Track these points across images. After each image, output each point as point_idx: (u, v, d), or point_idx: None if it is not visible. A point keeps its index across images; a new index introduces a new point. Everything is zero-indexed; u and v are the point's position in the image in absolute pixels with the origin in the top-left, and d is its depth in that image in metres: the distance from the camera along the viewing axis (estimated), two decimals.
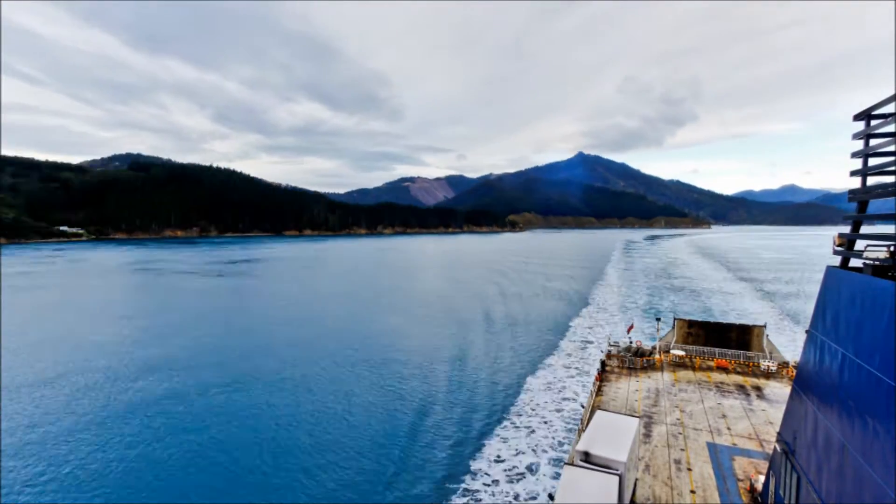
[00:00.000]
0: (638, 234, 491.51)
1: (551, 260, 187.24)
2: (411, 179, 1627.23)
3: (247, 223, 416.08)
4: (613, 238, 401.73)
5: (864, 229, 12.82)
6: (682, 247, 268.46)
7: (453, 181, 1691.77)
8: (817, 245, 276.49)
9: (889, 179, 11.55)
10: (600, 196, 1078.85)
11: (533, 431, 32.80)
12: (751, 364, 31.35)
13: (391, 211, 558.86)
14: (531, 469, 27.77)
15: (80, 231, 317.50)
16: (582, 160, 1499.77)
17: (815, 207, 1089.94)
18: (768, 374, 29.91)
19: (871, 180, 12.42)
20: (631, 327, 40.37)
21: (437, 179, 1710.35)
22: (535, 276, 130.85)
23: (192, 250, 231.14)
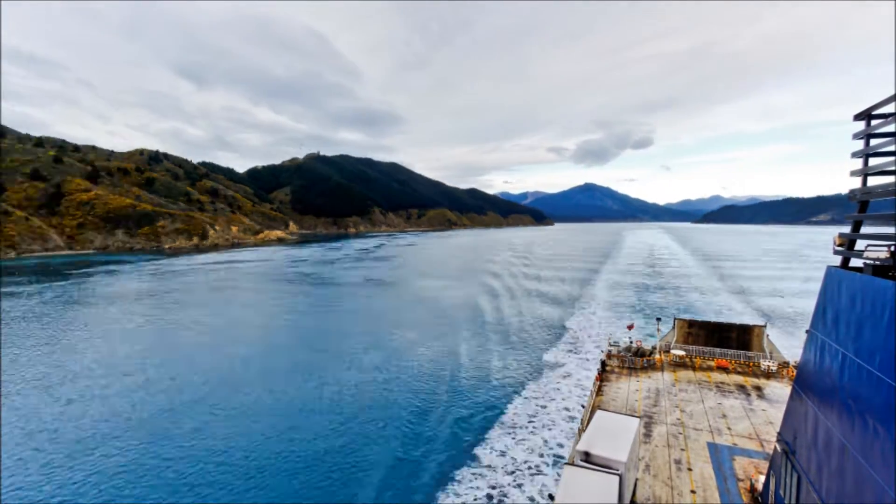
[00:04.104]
0: (620, 224, 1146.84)
1: (599, 226, 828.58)
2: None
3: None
4: (610, 225, 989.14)
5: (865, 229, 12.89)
6: (626, 224, 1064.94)
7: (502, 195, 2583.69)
8: (650, 225, 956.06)
9: (889, 179, 11.56)
10: (602, 211, 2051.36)
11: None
12: (751, 364, 31.33)
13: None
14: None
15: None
16: (586, 187, 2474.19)
17: (698, 213, 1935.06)
18: (768, 374, 29.90)
19: (872, 180, 12.43)
20: (631, 326, 40.65)
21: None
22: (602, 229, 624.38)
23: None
